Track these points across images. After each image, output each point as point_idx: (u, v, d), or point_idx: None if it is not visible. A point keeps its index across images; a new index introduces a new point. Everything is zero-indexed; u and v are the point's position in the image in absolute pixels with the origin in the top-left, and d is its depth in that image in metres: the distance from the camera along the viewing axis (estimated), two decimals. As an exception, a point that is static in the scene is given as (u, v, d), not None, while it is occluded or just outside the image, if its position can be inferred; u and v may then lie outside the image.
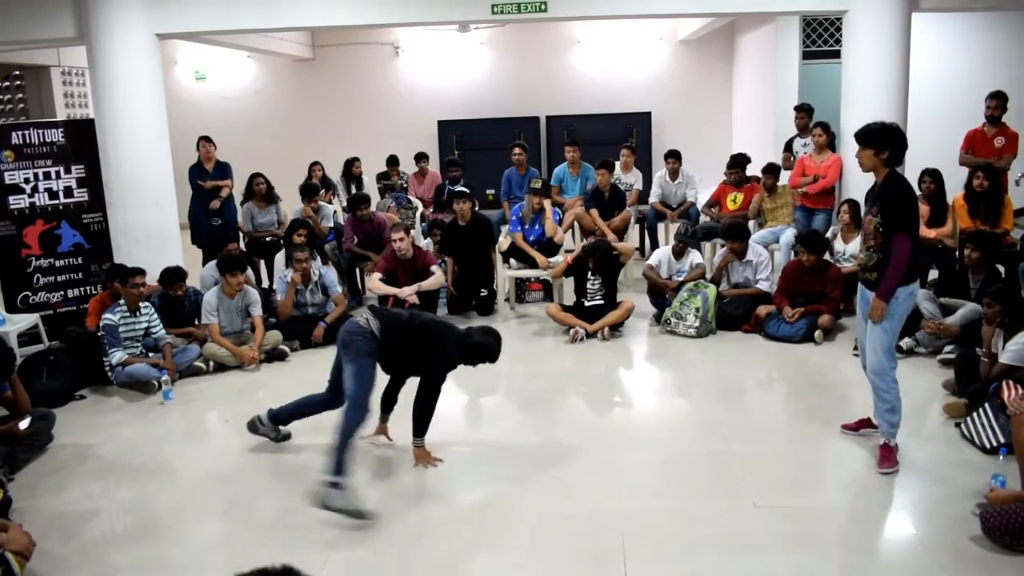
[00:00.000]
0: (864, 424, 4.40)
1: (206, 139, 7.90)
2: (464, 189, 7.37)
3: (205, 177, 7.81)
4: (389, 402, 4.49)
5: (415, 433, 4.26)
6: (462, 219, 7.14)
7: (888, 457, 4.03)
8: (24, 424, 4.49)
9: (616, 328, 6.48)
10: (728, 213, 7.95)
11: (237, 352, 6.00)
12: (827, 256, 6.45)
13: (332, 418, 5.04)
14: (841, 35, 7.46)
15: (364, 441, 4.37)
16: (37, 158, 6.61)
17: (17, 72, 10.23)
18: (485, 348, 4.21)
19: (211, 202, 7.73)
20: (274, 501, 4.02)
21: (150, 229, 6.91)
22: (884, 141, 3.91)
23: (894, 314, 3.94)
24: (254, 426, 4.56)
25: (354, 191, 8.79)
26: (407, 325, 4.15)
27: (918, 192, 6.79)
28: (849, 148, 7.10)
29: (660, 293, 6.71)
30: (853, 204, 6.71)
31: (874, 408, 4.21)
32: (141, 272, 5.73)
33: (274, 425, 4.53)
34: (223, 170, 7.91)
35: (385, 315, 4.17)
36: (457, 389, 5.83)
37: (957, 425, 4.44)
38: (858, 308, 4.25)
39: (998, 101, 6.98)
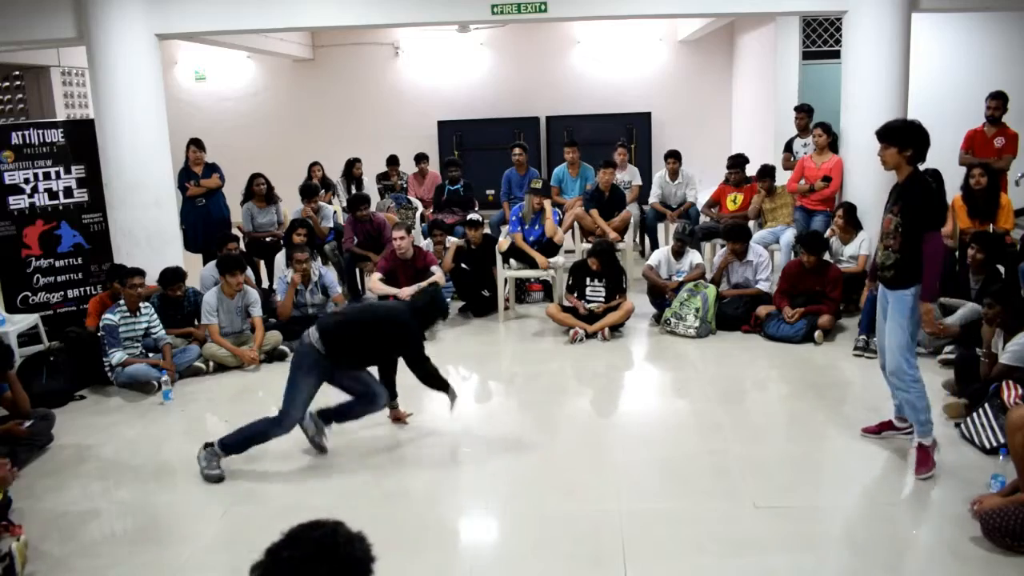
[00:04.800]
0: (885, 427, 4.39)
1: (196, 143, 7.78)
2: (477, 217, 7.42)
3: (194, 180, 7.74)
4: (390, 389, 4.72)
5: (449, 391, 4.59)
6: (473, 243, 7.22)
7: (924, 461, 3.96)
8: (25, 425, 4.50)
9: (616, 329, 6.48)
10: (728, 213, 7.95)
11: (237, 352, 6.00)
12: (826, 256, 6.45)
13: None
14: (841, 35, 7.46)
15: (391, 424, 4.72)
16: (37, 158, 6.61)
17: (17, 72, 10.22)
18: (433, 304, 4.51)
19: (197, 200, 7.66)
20: (273, 501, 4.02)
21: (150, 230, 6.89)
22: (907, 138, 3.91)
23: (913, 312, 3.94)
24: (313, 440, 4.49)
25: (354, 192, 8.79)
26: (363, 322, 4.41)
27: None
28: (849, 149, 7.13)
29: (660, 293, 6.71)
30: (848, 207, 6.71)
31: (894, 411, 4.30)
32: (139, 273, 5.72)
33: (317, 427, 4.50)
34: (212, 172, 7.83)
35: (333, 322, 4.40)
36: (457, 389, 5.84)
37: (957, 425, 4.44)
38: (878, 309, 4.20)
39: (998, 101, 6.98)
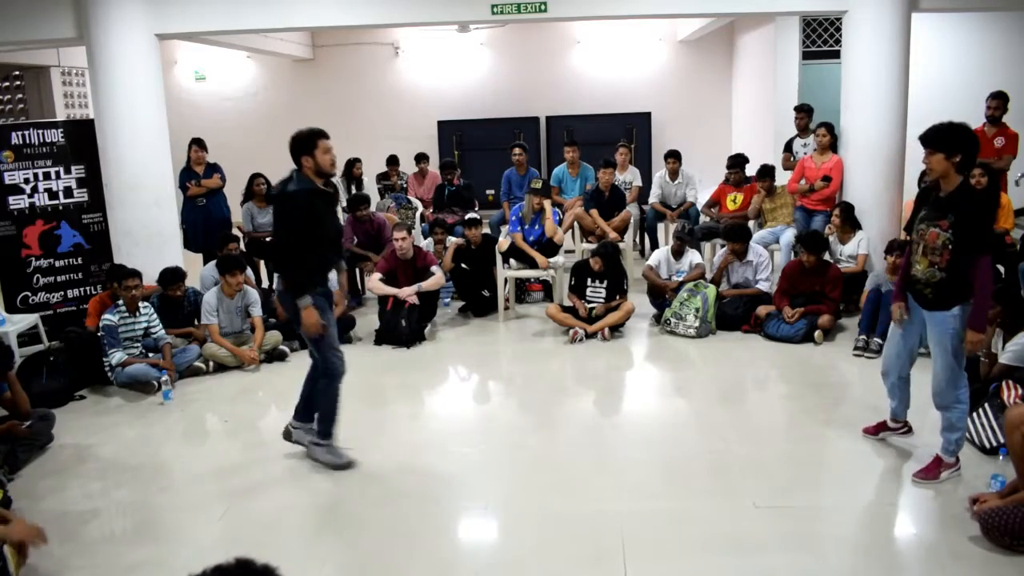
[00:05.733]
0: (882, 427, 4.38)
1: (198, 143, 7.81)
2: (475, 216, 7.43)
3: (195, 180, 7.75)
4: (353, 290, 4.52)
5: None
6: (473, 243, 7.24)
7: (931, 470, 3.89)
8: (25, 425, 4.51)
9: (616, 329, 6.48)
10: (728, 213, 7.96)
11: (237, 352, 6.00)
12: (826, 256, 6.45)
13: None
14: (841, 35, 7.46)
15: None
16: (37, 158, 6.61)
17: (17, 72, 10.23)
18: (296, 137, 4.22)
19: (197, 200, 7.69)
20: (274, 501, 4.02)
21: (150, 230, 6.90)
22: (955, 144, 3.61)
23: (956, 333, 3.73)
24: (288, 434, 4.47)
25: (354, 192, 8.79)
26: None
27: (917, 192, 6.81)
28: (849, 149, 7.13)
29: (660, 293, 6.71)
30: (846, 207, 6.71)
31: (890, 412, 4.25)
32: (135, 275, 5.72)
33: (304, 424, 4.41)
34: (214, 172, 7.85)
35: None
36: (457, 389, 5.84)
37: (957, 425, 4.44)
38: (895, 318, 4.03)
39: (999, 101, 6.99)
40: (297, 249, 4.07)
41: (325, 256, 4.26)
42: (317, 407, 4.33)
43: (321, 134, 4.24)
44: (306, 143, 4.17)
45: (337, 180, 9.26)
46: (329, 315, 4.24)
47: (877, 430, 4.39)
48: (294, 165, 4.22)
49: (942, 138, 3.64)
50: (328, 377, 4.25)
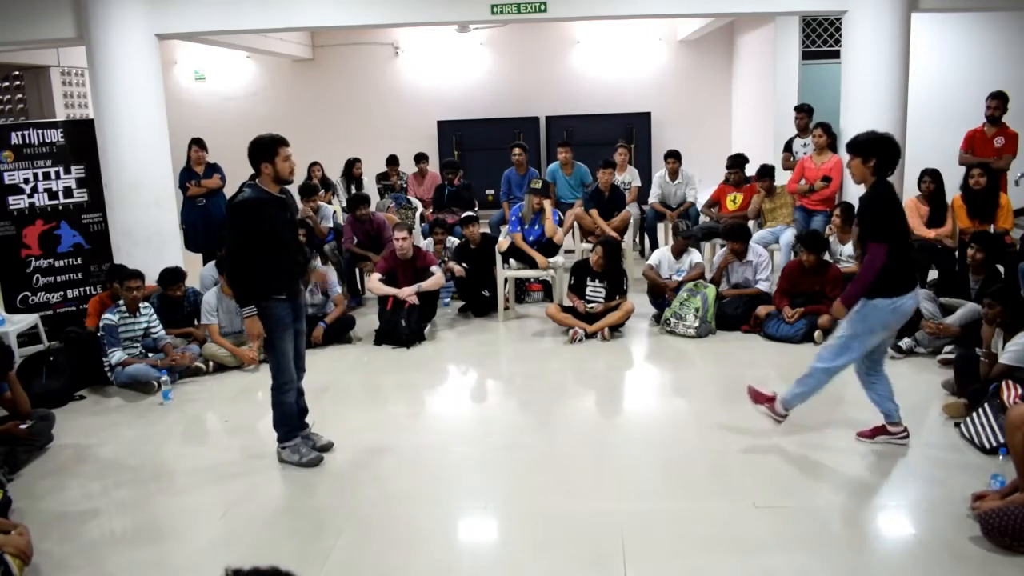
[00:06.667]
0: (879, 431, 4.36)
1: (198, 143, 7.81)
2: (471, 214, 7.45)
3: (195, 180, 7.76)
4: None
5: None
6: (472, 243, 7.23)
7: (757, 397, 4.46)
8: (24, 425, 4.50)
9: (616, 329, 6.48)
10: (727, 213, 7.96)
11: (237, 352, 6.00)
12: (825, 256, 6.46)
13: (334, 411, 5.05)
14: (841, 35, 7.46)
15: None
16: (37, 158, 6.61)
17: (17, 72, 10.23)
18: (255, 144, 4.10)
19: (197, 200, 7.70)
20: (273, 501, 4.02)
21: (150, 230, 6.91)
22: (871, 150, 3.93)
23: (865, 324, 3.99)
24: (282, 458, 4.36)
25: (354, 191, 8.80)
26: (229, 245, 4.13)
27: (917, 192, 6.82)
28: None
29: (660, 293, 6.71)
30: (846, 207, 6.72)
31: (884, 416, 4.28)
32: (137, 276, 5.71)
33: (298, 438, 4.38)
34: (214, 172, 7.86)
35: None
36: (457, 389, 5.84)
37: (957, 425, 4.44)
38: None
39: (999, 101, 6.98)
40: (248, 258, 4.02)
41: (287, 263, 4.16)
42: (273, 415, 4.33)
43: (282, 141, 4.14)
44: (268, 149, 4.08)
45: (337, 180, 9.28)
46: (293, 331, 4.21)
47: (873, 434, 4.36)
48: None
49: (859, 145, 3.97)
50: (273, 389, 4.25)
